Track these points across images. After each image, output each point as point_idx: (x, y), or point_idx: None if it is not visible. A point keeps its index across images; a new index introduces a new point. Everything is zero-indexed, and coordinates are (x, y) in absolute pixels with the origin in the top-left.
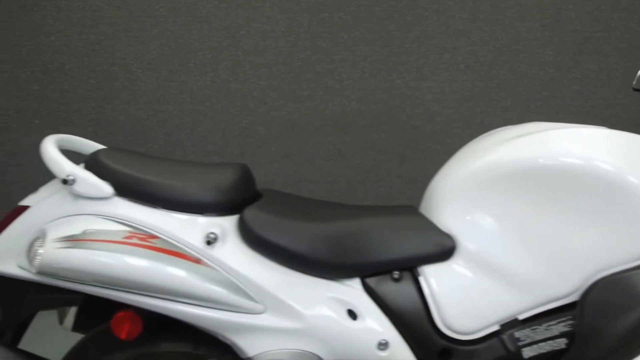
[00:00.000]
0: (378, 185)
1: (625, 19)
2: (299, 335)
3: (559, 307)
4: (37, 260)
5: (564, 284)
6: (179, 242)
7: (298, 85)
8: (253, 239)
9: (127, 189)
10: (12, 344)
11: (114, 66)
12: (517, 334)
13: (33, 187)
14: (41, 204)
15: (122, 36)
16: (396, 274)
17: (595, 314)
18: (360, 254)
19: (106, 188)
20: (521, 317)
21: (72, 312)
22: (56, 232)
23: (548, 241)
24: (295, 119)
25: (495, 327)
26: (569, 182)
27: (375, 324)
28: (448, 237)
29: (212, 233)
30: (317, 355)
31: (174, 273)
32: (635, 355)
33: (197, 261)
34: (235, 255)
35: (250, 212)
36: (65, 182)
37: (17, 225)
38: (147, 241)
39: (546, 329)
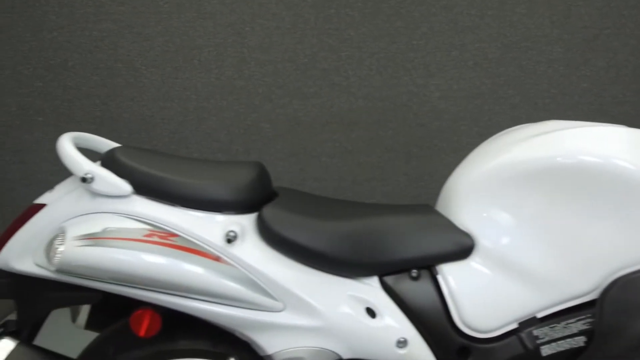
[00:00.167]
0: (384, 183)
1: (635, 16)
2: (318, 333)
3: (578, 305)
4: (57, 258)
5: (583, 282)
6: (198, 240)
7: (304, 82)
8: (272, 237)
9: (145, 187)
10: (28, 341)
11: (117, 63)
12: (535, 332)
13: (36, 185)
14: (58, 202)
15: (126, 32)
16: (414, 273)
17: (615, 312)
18: (379, 253)
19: (125, 186)
20: (540, 315)
21: (85, 310)
22: (76, 230)
23: (567, 239)
24: (301, 116)
25: (514, 325)
26: (587, 180)
27: (394, 322)
28: (466, 235)
29: (232, 231)
30: (336, 353)
31: (195, 271)
32: None
33: (217, 259)
34: (254, 253)
35: (269, 210)
36: (84, 180)
37: (34, 223)
38: (168, 239)
39: (565, 327)
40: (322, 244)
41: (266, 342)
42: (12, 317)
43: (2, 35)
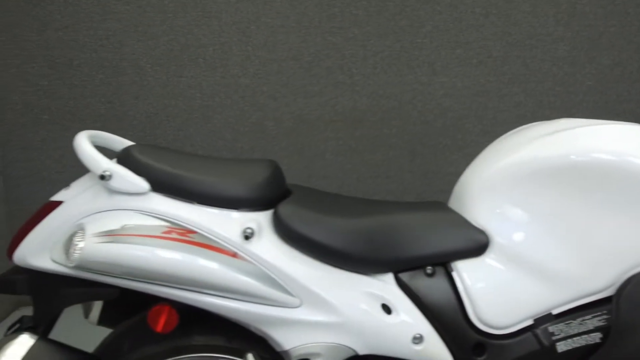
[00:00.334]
0: (389, 181)
1: None
2: (335, 328)
3: (594, 301)
4: (77, 255)
5: (598, 279)
6: (216, 237)
7: (308, 80)
8: (288, 233)
9: (162, 185)
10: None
11: (122, 61)
12: (551, 329)
13: (41, 182)
14: (76, 199)
15: (131, 31)
16: (429, 269)
17: (631, 309)
18: (394, 249)
19: (142, 184)
20: (555, 311)
21: (97, 306)
22: (95, 226)
23: (581, 236)
24: (305, 114)
25: (529, 322)
26: (601, 178)
27: (410, 318)
28: (481, 232)
29: (249, 228)
30: (352, 349)
31: (213, 267)
32: None
33: (234, 255)
34: (271, 249)
35: (284, 208)
36: (102, 177)
37: (51, 220)
38: (186, 236)
39: (580, 324)
40: (338, 240)
41: (283, 338)
42: (18, 313)
43: (8, 34)
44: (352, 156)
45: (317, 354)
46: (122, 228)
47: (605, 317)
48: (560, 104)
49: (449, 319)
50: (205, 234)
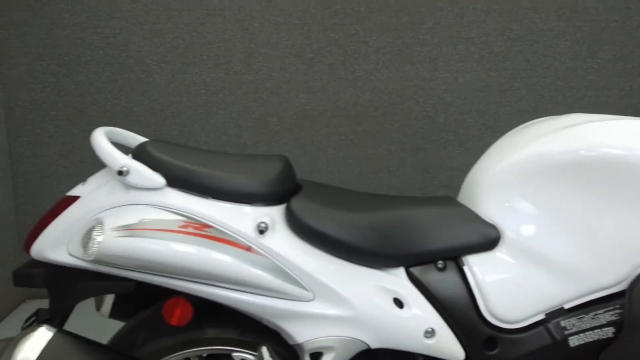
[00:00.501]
0: (391, 176)
1: None
2: (348, 322)
3: (606, 296)
4: (95, 248)
5: (610, 273)
6: (231, 231)
7: (311, 76)
8: (301, 228)
9: (178, 180)
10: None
11: (129, 59)
12: (563, 323)
13: (48, 178)
14: (93, 194)
15: (137, 29)
16: (440, 264)
17: None
18: (406, 244)
19: (159, 179)
20: (567, 306)
21: (109, 299)
22: (113, 221)
23: (592, 231)
24: (308, 110)
25: (541, 316)
26: (611, 172)
27: (422, 312)
28: (492, 227)
29: (263, 222)
30: (364, 343)
31: (229, 260)
32: None
33: (248, 249)
34: (284, 243)
35: (297, 202)
36: (120, 173)
37: (69, 215)
38: (202, 230)
39: (593, 318)
40: (350, 235)
41: (296, 331)
42: (25, 306)
43: (17, 33)
44: (354, 151)
45: (330, 348)
46: (140, 222)
47: (618, 311)
48: (562, 99)
49: (461, 313)
50: (221, 228)
